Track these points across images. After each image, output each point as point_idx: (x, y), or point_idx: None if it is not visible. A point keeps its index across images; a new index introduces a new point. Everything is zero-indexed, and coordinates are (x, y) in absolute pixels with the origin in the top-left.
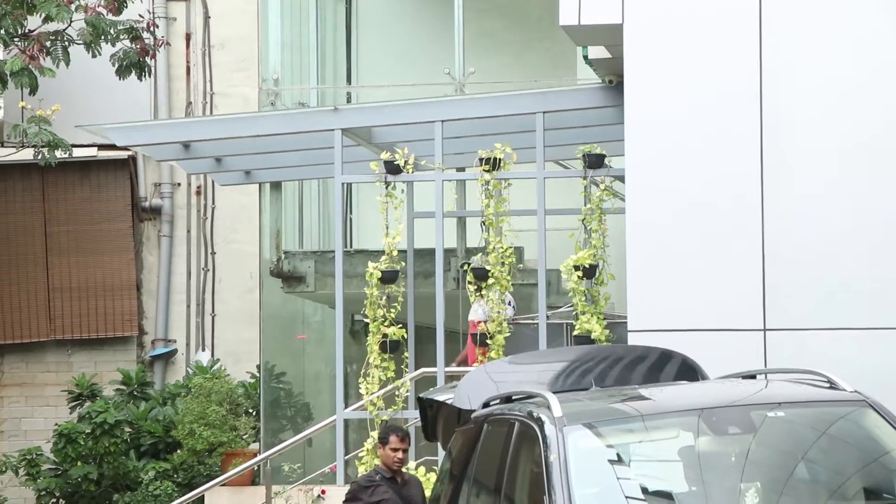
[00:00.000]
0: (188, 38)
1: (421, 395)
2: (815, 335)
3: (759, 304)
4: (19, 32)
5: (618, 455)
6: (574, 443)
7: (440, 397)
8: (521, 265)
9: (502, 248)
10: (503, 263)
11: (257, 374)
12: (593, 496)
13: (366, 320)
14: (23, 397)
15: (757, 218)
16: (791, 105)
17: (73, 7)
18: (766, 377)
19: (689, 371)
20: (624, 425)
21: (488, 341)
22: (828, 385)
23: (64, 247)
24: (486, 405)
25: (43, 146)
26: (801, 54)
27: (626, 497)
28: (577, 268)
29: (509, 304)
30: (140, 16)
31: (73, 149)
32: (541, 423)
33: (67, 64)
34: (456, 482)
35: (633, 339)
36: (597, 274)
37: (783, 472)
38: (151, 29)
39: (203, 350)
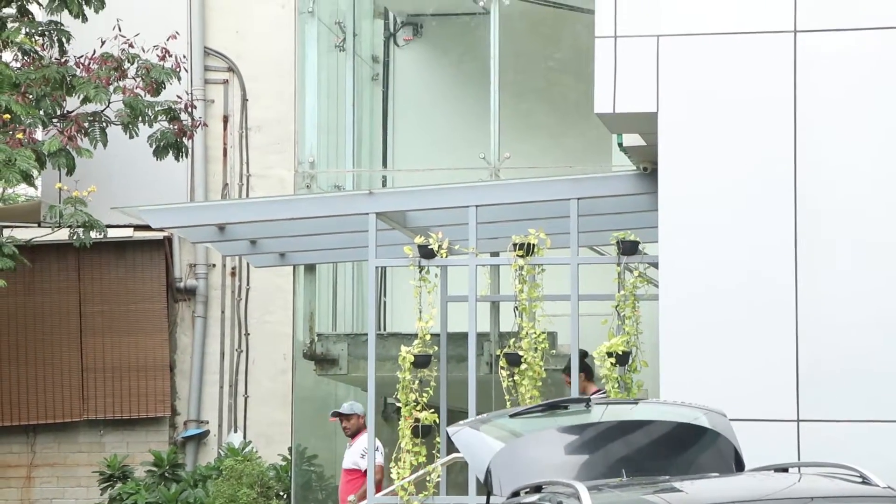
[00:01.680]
0: (226, 119)
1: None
2: (850, 427)
3: (793, 393)
4: (58, 113)
5: None
6: None
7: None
8: (554, 350)
9: (535, 333)
10: (536, 349)
11: (289, 457)
12: None
13: (398, 404)
14: (54, 477)
15: (791, 304)
16: (824, 193)
17: (111, 88)
18: (798, 470)
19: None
20: None
21: None
22: (860, 480)
23: (98, 327)
24: (515, 493)
25: (78, 227)
26: (834, 144)
27: None
28: (610, 354)
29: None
30: (178, 97)
31: (109, 229)
32: None
33: (105, 145)
34: None
35: None
36: (630, 360)
37: None
38: (189, 110)
39: (235, 431)
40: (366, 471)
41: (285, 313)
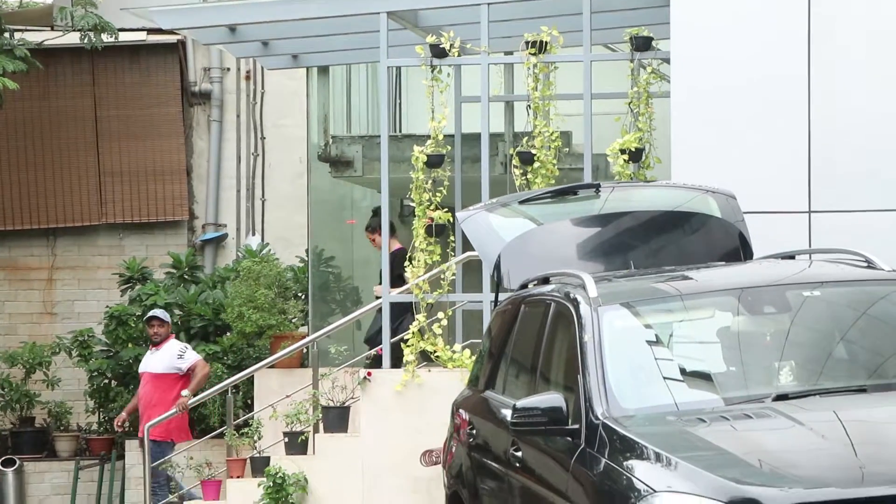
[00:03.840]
0: None
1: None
2: (861, 217)
3: (805, 185)
4: None
5: (653, 334)
6: (609, 322)
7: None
8: (568, 149)
9: (548, 132)
10: (549, 147)
11: (306, 259)
12: (628, 376)
13: (412, 204)
14: (75, 280)
15: (804, 98)
16: None
17: None
18: (809, 257)
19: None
20: (659, 305)
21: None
22: (865, 265)
23: (114, 131)
24: (523, 286)
25: (89, 29)
26: None
27: (662, 377)
28: (623, 151)
29: (180, 355)
30: None
31: (122, 33)
32: (576, 304)
33: None
34: (494, 361)
35: None
36: (643, 157)
37: (819, 351)
38: None
39: (253, 234)
40: (186, 373)
41: (300, 116)
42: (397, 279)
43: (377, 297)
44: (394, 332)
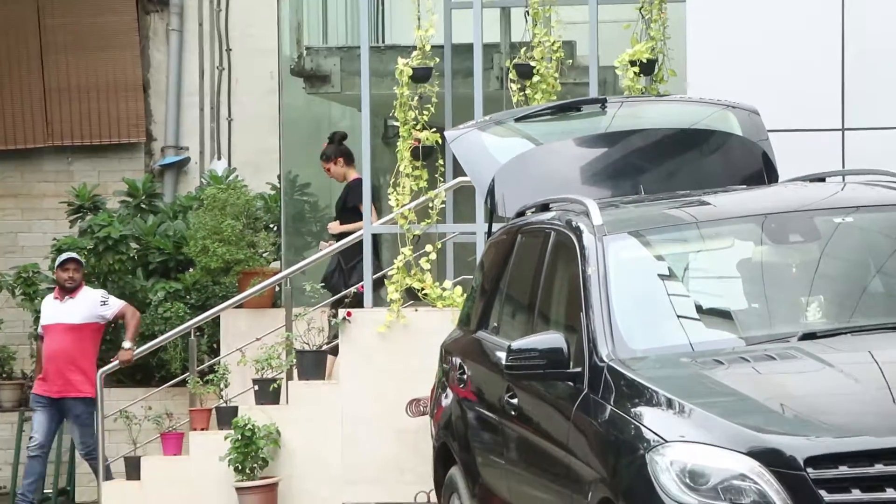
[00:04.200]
0: None
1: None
2: None
3: (838, 101)
4: None
5: (665, 267)
6: (615, 254)
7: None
8: (571, 61)
9: (549, 41)
10: (551, 59)
11: (278, 186)
12: (636, 314)
13: (396, 124)
14: (18, 210)
15: (837, 5)
16: None
17: None
18: (842, 179)
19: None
20: (672, 234)
21: None
22: None
23: (60, 42)
24: (520, 214)
25: None
26: None
27: (675, 314)
28: (633, 63)
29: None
30: None
31: None
32: (579, 233)
33: None
34: (487, 299)
35: None
36: (656, 70)
37: (851, 284)
38: None
39: (218, 159)
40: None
41: (270, 25)
42: (352, 212)
43: (330, 235)
44: (351, 273)
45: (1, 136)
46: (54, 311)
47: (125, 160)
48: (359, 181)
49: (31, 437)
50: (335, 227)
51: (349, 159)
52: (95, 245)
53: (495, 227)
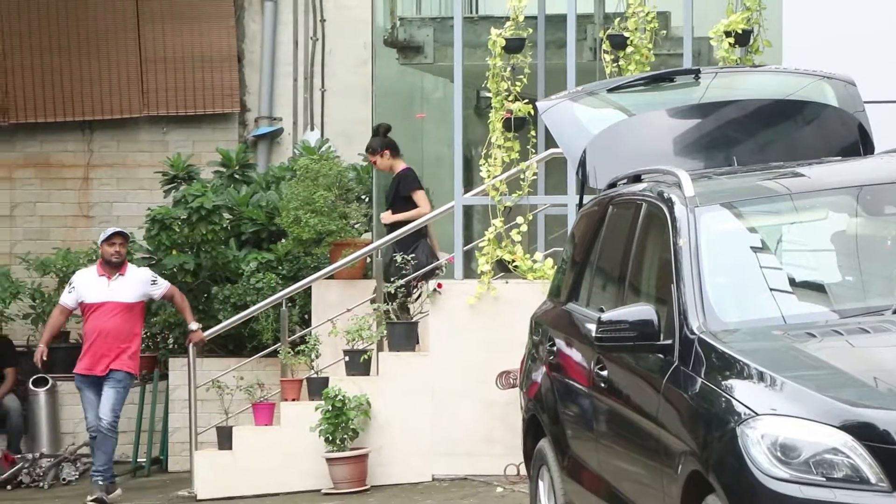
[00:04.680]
0: None
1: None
2: None
3: None
4: None
5: (758, 239)
6: (707, 225)
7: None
8: (665, 32)
9: (644, 11)
10: (645, 30)
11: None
12: (728, 286)
13: (489, 95)
14: (114, 179)
15: None
16: None
17: None
18: None
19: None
20: (765, 206)
21: None
22: None
23: (157, 13)
24: (612, 185)
25: None
26: None
27: (768, 287)
28: (728, 34)
29: (153, 281)
30: None
31: None
32: (670, 204)
33: None
34: (577, 271)
35: None
36: (751, 41)
37: None
38: None
39: (311, 129)
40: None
41: None
42: (403, 202)
43: (385, 225)
44: (403, 266)
45: (98, 106)
46: (103, 288)
47: (219, 130)
48: (408, 170)
49: (86, 419)
50: (388, 216)
51: (395, 150)
52: (189, 215)
53: (587, 198)
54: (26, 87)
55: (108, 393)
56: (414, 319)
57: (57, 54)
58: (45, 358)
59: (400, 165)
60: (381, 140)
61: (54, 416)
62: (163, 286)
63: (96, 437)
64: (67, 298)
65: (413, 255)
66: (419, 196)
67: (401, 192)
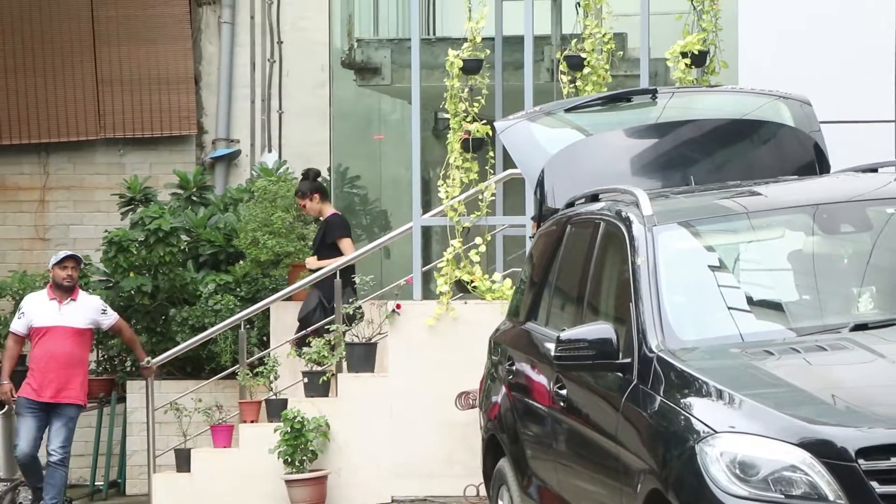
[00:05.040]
0: None
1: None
2: None
3: (892, 91)
4: None
5: (715, 258)
6: (665, 244)
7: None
8: (622, 53)
9: (600, 33)
10: (602, 51)
11: (328, 179)
12: (686, 304)
13: (447, 116)
14: (70, 202)
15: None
16: None
17: None
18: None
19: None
20: (722, 224)
21: None
22: None
23: (113, 34)
24: (570, 204)
25: None
26: None
27: (725, 305)
28: (684, 55)
29: (104, 311)
30: None
31: None
32: (628, 223)
33: None
34: (536, 290)
35: None
36: (707, 62)
37: None
38: None
39: (269, 151)
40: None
41: (321, 18)
42: (330, 248)
43: (309, 271)
44: (333, 311)
45: (54, 129)
46: (54, 312)
47: (176, 152)
48: (336, 216)
49: (15, 446)
50: (313, 262)
51: (325, 195)
52: (146, 237)
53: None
54: None
55: (59, 430)
56: (373, 341)
57: (13, 75)
58: (13, 395)
59: (328, 210)
60: (311, 184)
61: (9, 440)
62: (112, 317)
63: (26, 464)
64: (18, 325)
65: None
66: (345, 244)
67: (327, 239)
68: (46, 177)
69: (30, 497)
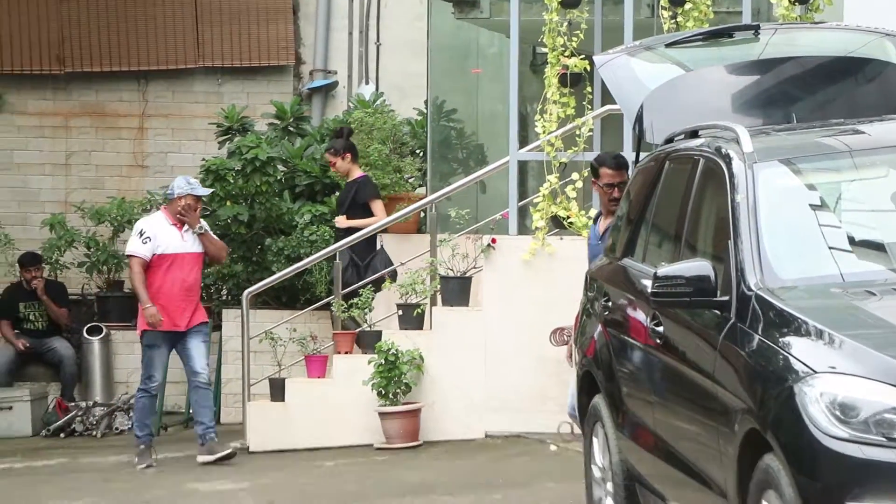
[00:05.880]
0: None
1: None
2: None
3: None
4: None
5: (817, 196)
6: (766, 181)
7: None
8: None
9: None
10: None
11: (425, 111)
12: (786, 243)
13: (545, 51)
14: (168, 130)
15: None
16: None
17: None
18: None
19: None
20: (825, 162)
21: None
22: None
23: None
24: (669, 140)
25: None
26: None
27: (826, 244)
28: None
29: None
30: None
31: None
32: (728, 160)
33: None
34: (633, 226)
35: None
36: None
37: None
38: None
39: (366, 83)
40: None
41: None
42: (359, 209)
43: (337, 229)
44: (367, 270)
45: (153, 56)
46: (178, 240)
47: (274, 83)
48: (366, 178)
49: (150, 377)
50: (343, 221)
51: (356, 155)
52: (243, 166)
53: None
54: (82, 36)
55: (200, 347)
56: (468, 275)
57: (113, 4)
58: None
59: (357, 172)
60: (345, 143)
61: (108, 366)
62: None
63: (154, 396)
64: (144, 250)
65: (369, 263)
66: (377, 205)
67: (358, 199)
68: (145, 104)
69: (127, 422)
